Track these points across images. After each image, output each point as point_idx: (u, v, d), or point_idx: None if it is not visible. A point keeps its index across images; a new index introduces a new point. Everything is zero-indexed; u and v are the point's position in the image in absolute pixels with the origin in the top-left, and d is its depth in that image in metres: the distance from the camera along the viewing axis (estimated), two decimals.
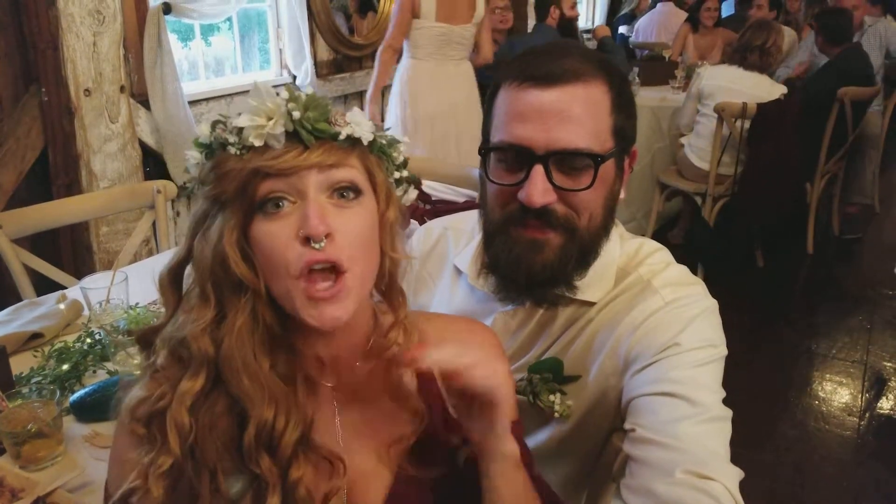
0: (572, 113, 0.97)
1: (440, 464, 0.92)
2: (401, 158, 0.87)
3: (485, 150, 1.05)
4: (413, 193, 0.89)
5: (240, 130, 0.78)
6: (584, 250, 1.04)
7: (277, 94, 0.78)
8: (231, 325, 0.79)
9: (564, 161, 0.98)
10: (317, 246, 0.75)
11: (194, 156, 0.81)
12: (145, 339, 0.86)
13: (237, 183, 0.77)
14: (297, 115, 0.76)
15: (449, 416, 0.93)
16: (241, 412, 0.80)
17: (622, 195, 1.08)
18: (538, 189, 0.97)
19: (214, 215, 0.80)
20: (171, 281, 0.84)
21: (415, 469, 0.89)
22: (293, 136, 0.77)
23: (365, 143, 0.81)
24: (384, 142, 0.85)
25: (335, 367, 0.88)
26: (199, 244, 0.81)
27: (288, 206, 0.77)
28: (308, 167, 0.77)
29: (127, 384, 0.86)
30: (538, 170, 0.98)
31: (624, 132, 1.04)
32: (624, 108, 1.03)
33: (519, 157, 1.00)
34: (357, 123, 0.80)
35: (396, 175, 0.87)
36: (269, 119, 0.76)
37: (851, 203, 5.05)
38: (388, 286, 0.88)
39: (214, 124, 0.80)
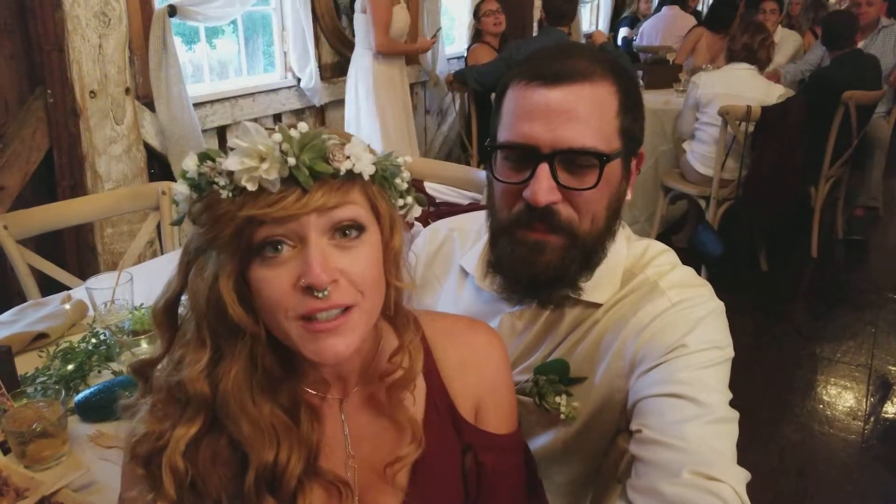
0: (579, 112, 0.97)
1: (450, 475, 0.92)
2: (404, 185, 0.83)
3: (491, 148, 1.06)
4: (417, 211, 0.85)
5: (230, 173, 0.72)
6: (587, 253, 1.04)
7: (270, 136, 0.72)
8: (227, 370, 0.77)
9: (570, 160, 0.98)
10: (320, 295, 0.72)
11: (182, 191, 0.76)
12: (141, 371, 0.84)
13: (232, 229, 0.73)
14: (292, 161, 0.71)
15: (460, 423, 0.92)
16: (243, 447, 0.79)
17: (628, 196, 1.08)
18: (543, 187, 0.97)
19: (209, 254, 0.76)
20: (166, 314, 0.81)
21: (425, 476, 0.89)
22: (289, 178, 0.72)
23: (366, 177, 0.76)
24: (386, 172, 0.80)
25: (343, 383, 0.88)
26: (193, 280, 0.77)
27: (287, 250, 0.74)
28: (308, 213, 0.72)
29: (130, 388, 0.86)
30: (543, 168, 0.98)
31: (631, 134, 1.04)
32: (631, 109, 1.03)
33: (525, 156, 1.00)
34: (357, 157, 0.75)
35: (401, 202, 0.83)
36: (262, 160, 0.71)
37: (858, 206, 5.04)
38: (394, 312, 0.86)
39: (202, 158, 0.75)
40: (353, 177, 0.75)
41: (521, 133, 0.99)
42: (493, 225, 1.09)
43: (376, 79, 4.15)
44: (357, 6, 4.09)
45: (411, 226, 2.55)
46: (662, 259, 1.10)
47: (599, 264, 1.07)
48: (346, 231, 0.75)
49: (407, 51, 4.26)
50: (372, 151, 0.80)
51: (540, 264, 1.02)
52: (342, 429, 0.88)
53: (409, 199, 0.84)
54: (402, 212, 0.84)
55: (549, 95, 0.98)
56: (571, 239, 1.02)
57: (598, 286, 1.08)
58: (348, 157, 0.75)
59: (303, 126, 0.74)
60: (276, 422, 0.79)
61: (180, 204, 0.78)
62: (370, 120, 4.20)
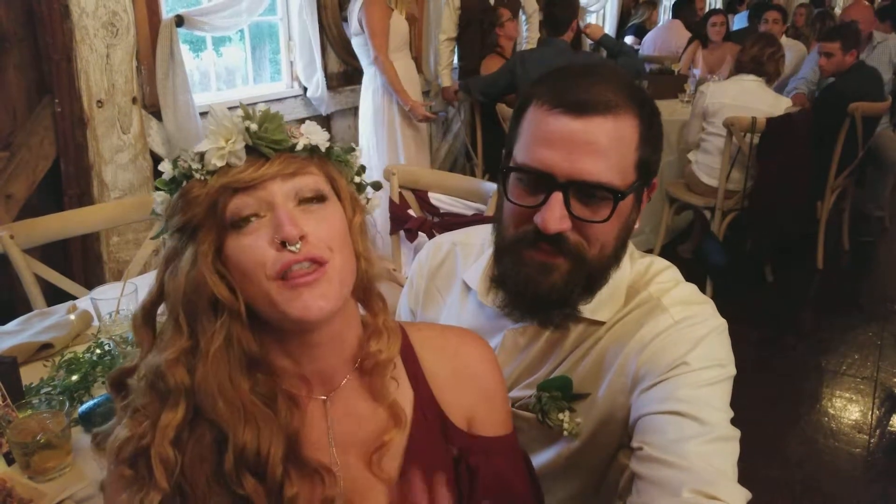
0: (598, 145, 0.97)
1: (439, 474, 0.92)
2: (358, 164, 0.90)
3: (507, 168, 1.05)
4: (377, 200, 0.93)
5: (202, 156, 0.80)
6: (591, 278, 1.04)
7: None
8: (205, 350, 0.80)
9: (584, 192, 0.98)
10: (293, 248, 0.77)
11: (160, 195, 0.83)
12: (117, 381, 0.86)
13: (206, 205, 0.79)
14: (254, 127, 0.79)
15: (447, 425, 0.93)
16: (226, 441, 0.80)
17: (637, 225, 1.08)
18: (555, 216, 0.97)
19: (185, 245, 0.81)
20: (145, 320, 0.85)
21: (413, 480, 0.89)
22: (253, 152, 0.80)
23: (322, 150, 0.84)
24: (340, 149, 0.88)
25: (325, 380, 0.88)
26: (169, 279, 0.82)
27: (258, 219, 0.79)
28: (272, 177, 0.79)
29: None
30: (557, 197, 0.97)
31: (648, 166, 1.03)
32: (651, 141, 1.03)
33: (540, 182, 0.99)
34: (312, 133, 0.84)
35: (357, 180, 0.90)
36: (228, 140, 0.79)
37: (866, 212, 5.05)
38: (366, 292, 0.89)
39: (175, 160, 0.83)
40: (310, 152, 0.84)
41: (538, 159, 0.99)
42: (498, 242, 1.09)
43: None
44: (352, 30, 4.09)
45: (415, 237, 2.56)
46: (665, 276, 1.10)
47: (601, 289, 1.07)
48: (309, 199, 0.82)
49: (397, 89, 4.06)
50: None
51: (544, 285, 1.02)
52: (327, 431, 0.88)
53: (364, 178, 0.91)
54: (361, 195, 0.91)
55: (570, 125, 0.97)
56: (579, 263, 1.02)
57: (602, 305, 1.08)
58: (304, 134, 0.83)
59: (262, 106, 0.83)
60: (252, 407, 0.80)
61: (158, 210, 0.84)
62: (385, 132, 4.24)
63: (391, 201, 2.57)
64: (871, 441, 2.87)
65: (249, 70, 4.28)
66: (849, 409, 3.09)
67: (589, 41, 5.39)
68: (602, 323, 1.08)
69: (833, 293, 4.35)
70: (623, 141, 0.99)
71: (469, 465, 0.93)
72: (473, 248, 1.24)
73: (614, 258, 1.06)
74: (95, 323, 1.65)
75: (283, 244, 0.77)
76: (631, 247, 1.14)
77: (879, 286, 4.54)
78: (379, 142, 4.24)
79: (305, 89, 4.33)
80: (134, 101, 3.04)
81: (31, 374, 1.46)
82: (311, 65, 4.25)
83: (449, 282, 1.26)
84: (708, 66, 5.74)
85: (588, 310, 1.07)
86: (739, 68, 4.03)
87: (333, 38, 4.46)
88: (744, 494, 0.87)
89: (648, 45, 7.01)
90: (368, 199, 0.92)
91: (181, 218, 0.80)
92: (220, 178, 0.79)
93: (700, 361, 0.97)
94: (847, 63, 4.33)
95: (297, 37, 4.26)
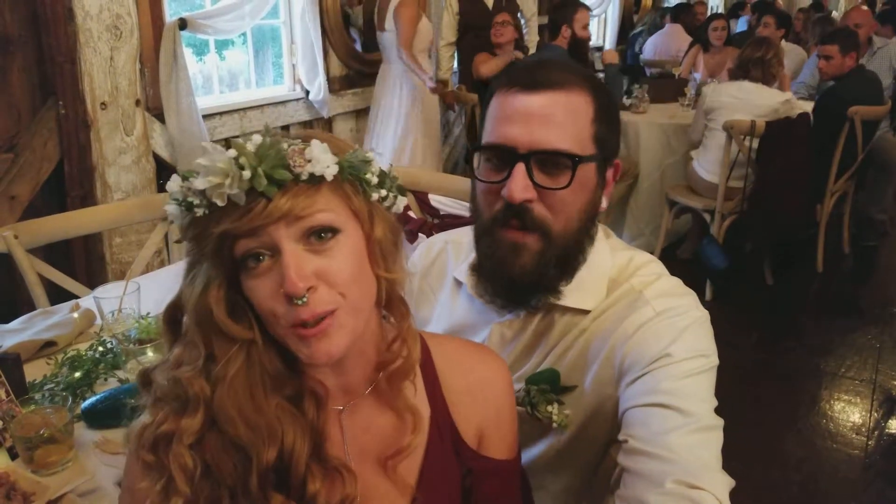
0: (555, 117, 1.03)
1: (450, 489, 0.93)
2: (375, 179, 0.82)
3: (474, 149, 1.11)
4: (402, 202, 0.86)
5: (202, 192, 0.75)
6: (563, 255, 1.07)
7: (227, 149, 0.75)
8: (223, 373, 0.78)
9: (545, 161, 1.03)
10: (299, 302, 0.74)
11: (173, 211, 0.80)
12: (145, 379, 0.85)
13: (212, 245, 0.76)
14: (247, 174, 0.73)
15: (461, 448, 0.94)
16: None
17: (604, 204, 1.12)
18: (519, 185, 1.02)
19: (201, 266, 0.79)
20: (169, 322, 0.84)
21: (428, 490, 0.89)
22: (255, 190, 0.74)
23: (329, 178, 0.77)
24: (353, 166, 0.80)
25: (346, 392, 0.89)
26: (186, 291, 0.81)
27: (267, 260, 0.76)
28: (275, 221, 0.74)
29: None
30: (520, 168, 1.02)
31: (605, 142, 1.08)
32: (606, 121, 1.08)
33: (504, 157, 1.04)
34: (317, 160, 0.76)
35: (375, 195, 0.83)
36: (227, 176, 0.73)
37: (870, 215, 5.06)
38: (388, 300, 0.87)
39: (183, 179, 0.78)
40: (317, 180, 0.76)
41: (500, 135, 1.05)
42: (476, 228, 1.13)
43: (416, 88, 4.42)
44: (388, 25, 4.31)
45: (415, 237, 2.57)
46: (648, 269, 1.12)
47: (579, 268, 1.10)
48: (320, 234, 0.77)
49: (416, 69, 4.33)
50: (368, 159, 0.82)
51: (516, 267, 1.06)
52: (342, 442, 0.89)
53: (384, 192, 0.84)
54: (385, 205, 0.85)
55: (528, 101, 1.03)
56: (546, 240, 1.05)
57: (584, 293, 1.10)
58: (309, 161, 0.76)
59: (257, 138, 0.76)
60: (280, 413, 0.80)
61: (176, 221, 0.81)
62: (400, 129, 4.43)
63: None
64: (870, 443, 2.87)
65: (252, 73, 4.30)
66: (847, 412, 3.10)
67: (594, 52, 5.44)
68: (586, 313, 1.10)
69: (833, 296, 4.35)
70: (578, 113, 1.05)
71: (475, 485, 0.93)
72: (464, 246, 1.26)
73: (583, 233, 1.09)
74: (98, 321, 1.67)
75: (290, 297, 0.74)
76: (614, 239, 1.17)
77: (879, 289, 4.54)
78: (390, 141, 4.40)
79: (307, 92, 4.36)
80: (137, 103, 3.07)
81: (34, 371, 1.47)
82: (313, 68, 4.28)
83: (441, 280, 1.28)
84: (709, 70, 5.75)
85: (570, 294, 1.10)
86: (732, 76, 4.08)
87: (336, 41, 4.50)
88: (726, 483, 0.89)
89: (649, 50, 7.05)
90: (393, 203, 0.86)
91: (192, 249, 0.79)
92: (224, 220, 0.75)
93: (683, 352, 0.99)
94: (847, 66, 4.34)
95: (299, 40, 4.29)
